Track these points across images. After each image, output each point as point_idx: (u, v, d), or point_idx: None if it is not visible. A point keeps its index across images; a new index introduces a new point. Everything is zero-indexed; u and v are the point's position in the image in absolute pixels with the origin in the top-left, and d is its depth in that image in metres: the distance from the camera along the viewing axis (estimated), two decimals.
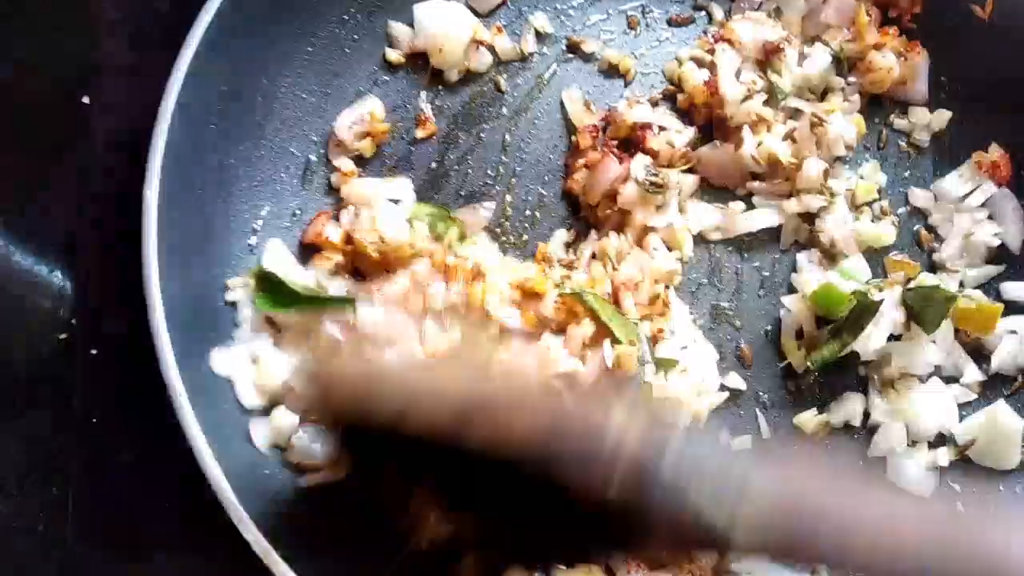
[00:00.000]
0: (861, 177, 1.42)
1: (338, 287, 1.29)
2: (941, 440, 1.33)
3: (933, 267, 1.40)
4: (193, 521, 1.15)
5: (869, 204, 1.41)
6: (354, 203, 1.33)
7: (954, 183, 1.41)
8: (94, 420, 1.28)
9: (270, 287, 1.26)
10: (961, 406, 1.34)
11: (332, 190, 1.36)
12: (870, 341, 1.29)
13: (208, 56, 1.21)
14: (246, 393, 1.23)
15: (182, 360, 1.13)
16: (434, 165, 1.40)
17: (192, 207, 1.24)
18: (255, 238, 1.31)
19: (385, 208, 1.31)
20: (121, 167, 1.21)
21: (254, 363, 1.24)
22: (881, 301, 1.28)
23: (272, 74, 1.33)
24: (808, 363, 1.31)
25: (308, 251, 1.33)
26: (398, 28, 1.42)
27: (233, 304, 1.27)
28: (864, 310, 1.28)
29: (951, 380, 1.35)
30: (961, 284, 1.38)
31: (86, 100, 1.39)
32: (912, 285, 1.30)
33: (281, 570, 1.07)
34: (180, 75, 1.17)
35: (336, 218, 1.33)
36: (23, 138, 1.38)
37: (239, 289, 1.27)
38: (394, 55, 1.42)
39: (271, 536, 1.09)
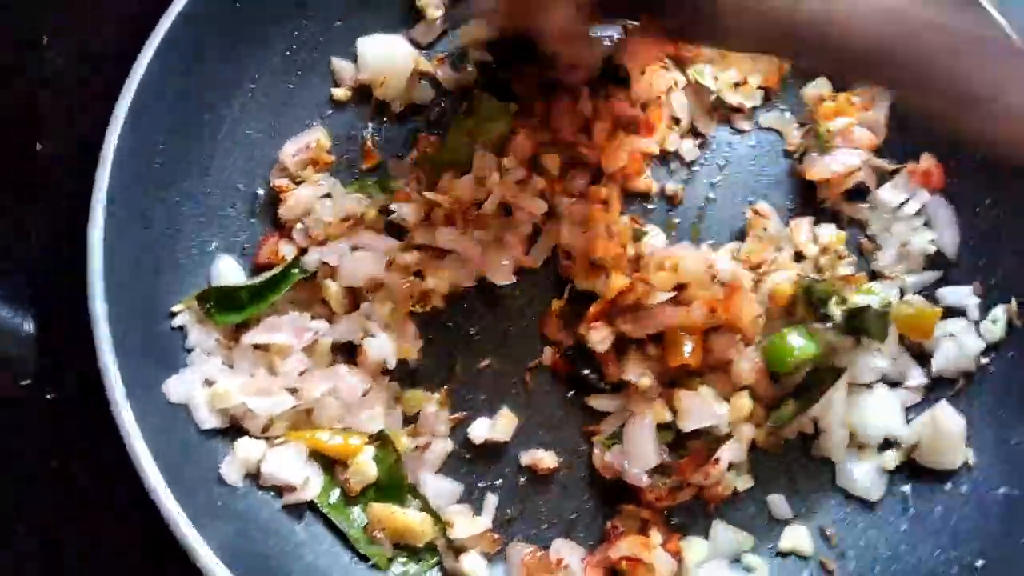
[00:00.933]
0: None
1: None
2: (888, 443, 1.34)
3: (874, 275, 1.43)
4: None
5: None
6: (296, 216, 1.36)
7: (889, 193, 1.45)
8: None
9: (219, 299, 1.29)
10: (907, 410, 1.36)
11: (280, 223, 1.39)
12: (831, 411, 1.31)
13: (150, 95, 1.26)
14: (203, 417, 1.25)
15: (134, 395, 1.15)
16: None
17: (140, 244, 1.28)
18: (204, 272, 1.33)
19: (320, 205, 1.36)
20: (78, 209, 1.23)
21: (208, 385, 1.26)
22: (844, 369, 1.30)
23: (216, 110, 1.37)
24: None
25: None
26: (341, 65, 1.46)
27: (181, 329, 1.29)
28: (824, 378, 1.30)
29: (895, 384, 1.37)
30: (901, 291, 1.40)
31: (40, 147, 1.41)
32: (845, 307, 1.31)
33: None
34: (121, 115, 1.22)
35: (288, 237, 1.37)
36: None
37: (185, 313, 1.29)
38: (340, 93, 1.45)
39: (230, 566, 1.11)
